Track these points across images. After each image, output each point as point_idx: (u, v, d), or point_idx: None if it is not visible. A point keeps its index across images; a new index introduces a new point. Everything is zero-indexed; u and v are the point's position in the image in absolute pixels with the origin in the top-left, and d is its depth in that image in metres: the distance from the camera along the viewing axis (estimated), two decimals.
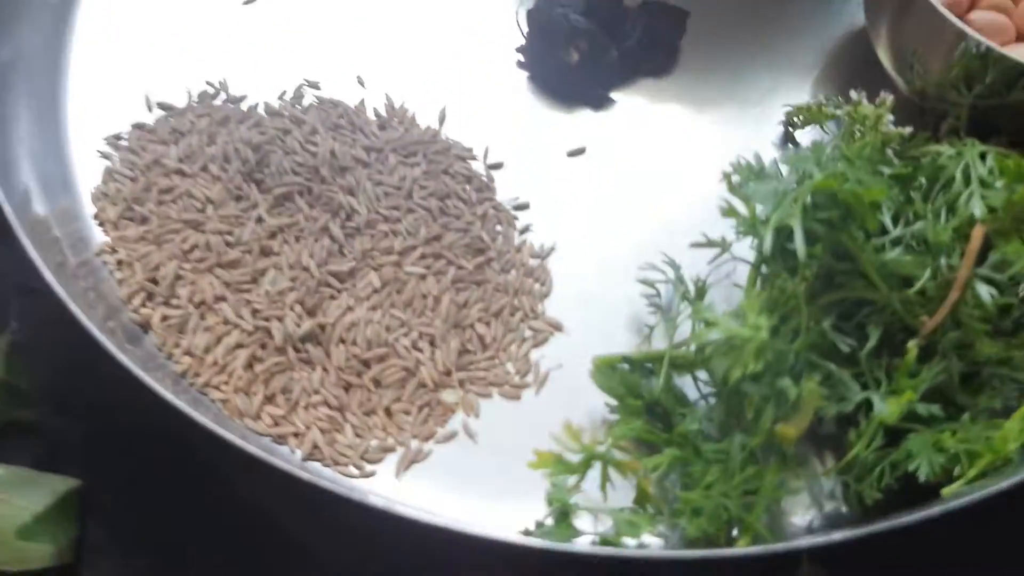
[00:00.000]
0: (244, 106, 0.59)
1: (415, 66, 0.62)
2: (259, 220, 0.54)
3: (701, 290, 0.49)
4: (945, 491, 0.42)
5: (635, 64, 0.61)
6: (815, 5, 0.65)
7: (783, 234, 0.43)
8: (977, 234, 0.43)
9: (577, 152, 0.59)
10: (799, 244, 0.41)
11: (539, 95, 0.61)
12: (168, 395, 0.45)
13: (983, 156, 0.47)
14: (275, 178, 0.55)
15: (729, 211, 0.44)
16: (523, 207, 0.57)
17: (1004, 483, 0.42)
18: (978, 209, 0.43)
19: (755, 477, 0.43)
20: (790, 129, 0.59)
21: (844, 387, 0.43)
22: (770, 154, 0.59)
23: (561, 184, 0.58)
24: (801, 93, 0.62)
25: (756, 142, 0.60)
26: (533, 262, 0.55)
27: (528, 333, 0.53)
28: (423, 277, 0.53)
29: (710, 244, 0.49)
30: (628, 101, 0.61)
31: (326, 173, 0.56)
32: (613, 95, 0.61)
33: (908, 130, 0.49)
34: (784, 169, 0.48)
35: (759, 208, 0.44)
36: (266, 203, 0.54)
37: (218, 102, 0.59)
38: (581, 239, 0.56)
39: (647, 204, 0.58)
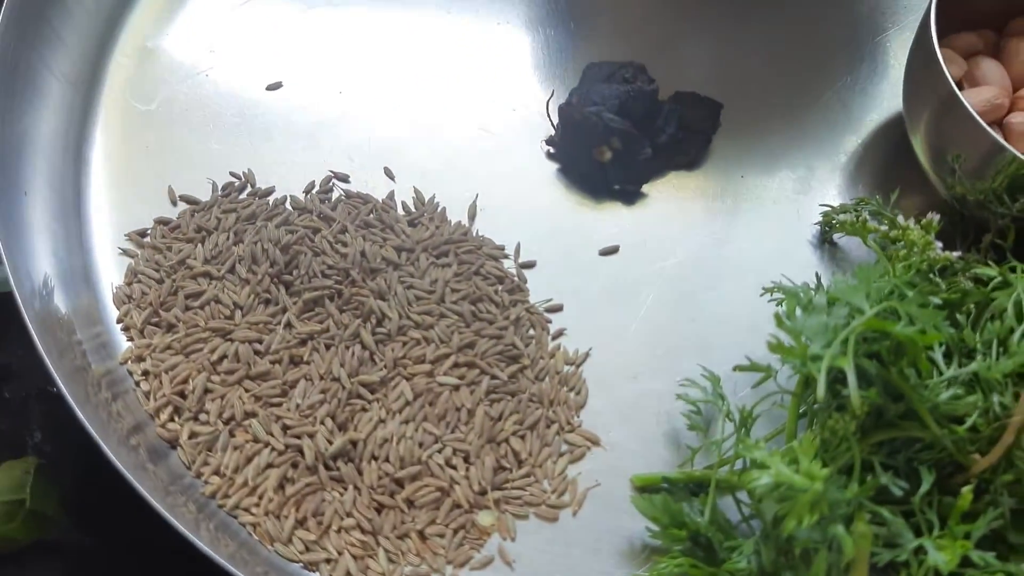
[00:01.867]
0: (271, 199, 0.58)
1: (444, 155, 0.60)
2: (288, 326, 0.53)
3: (746, 418, 0.47)
4: None
5: (668, 158, 0.60)
6: (852, 93, 0.64)
7: (831, 371, 0.42)
8: None
9: (610, 251, 0.58)
10: (853, 389, 0.40)
11: (569, 188, 0.60)
12: (182, 527, 0.43)
13: None
14: (304, 281, 0.54)
15: (776, 347, 0.43)
16: (556, 309, 0.56)
17: None
18: None
19: None
20: (827, 229, 0.58)
21: (897, 533, 0.42)
22: (807, 255, 0.58)
23: (594, 285, 0.57)
24: (837, 182, 0.61)
25: (792, 240, 0.59)
26: (567, 369, 0.54)
27: (564, 447, 0.52)
28: (456, 388, 0.52)
29: (754, 368, 0.48)
30: (660, 194, 0.60)
31: (356, 275, 0.54)
32: (645, 188, 0.60)
33: (956, 254, 0.48)
34: (826, 280, 0.46)
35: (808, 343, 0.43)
36: (296, 307, 0.53)
37: (243, 195, 0.58)
38: (615, 344, 0.55)
39: (683, 306, 0.56)
